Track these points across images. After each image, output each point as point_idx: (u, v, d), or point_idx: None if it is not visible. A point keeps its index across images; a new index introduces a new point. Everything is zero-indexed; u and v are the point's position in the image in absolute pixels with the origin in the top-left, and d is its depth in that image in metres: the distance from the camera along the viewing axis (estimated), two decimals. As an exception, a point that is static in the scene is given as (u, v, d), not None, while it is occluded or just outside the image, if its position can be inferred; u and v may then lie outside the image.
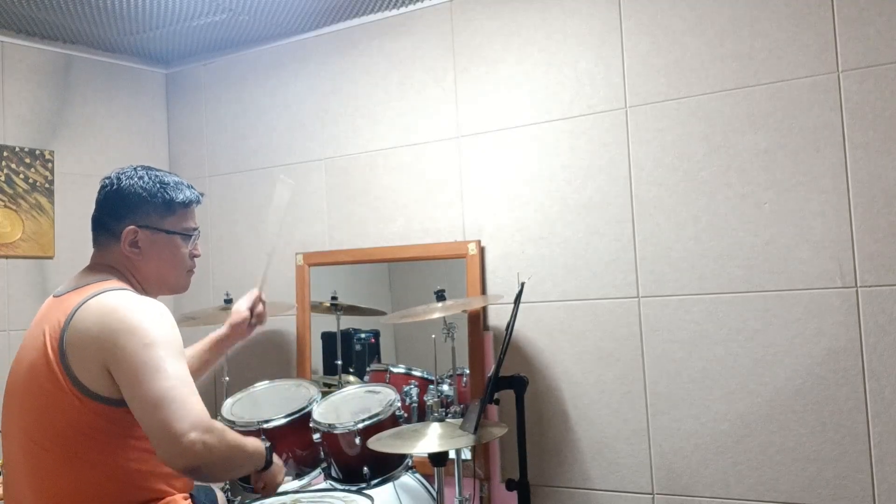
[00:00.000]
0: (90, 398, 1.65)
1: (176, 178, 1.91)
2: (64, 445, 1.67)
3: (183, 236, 1.90)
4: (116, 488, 1.69)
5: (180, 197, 1.89)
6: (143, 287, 1.87)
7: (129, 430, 1.67)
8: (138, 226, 1.83)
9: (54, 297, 1.82)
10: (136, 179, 1.86)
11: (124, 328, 1.63)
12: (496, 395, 2.35)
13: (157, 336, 1.64)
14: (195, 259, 1.96)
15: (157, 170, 1.91)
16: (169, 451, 1.55)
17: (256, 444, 1.78)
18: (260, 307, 2.33)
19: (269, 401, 2.55)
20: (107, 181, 1.88)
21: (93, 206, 1.90)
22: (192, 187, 1.94)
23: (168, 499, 1.75)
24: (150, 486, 1.72)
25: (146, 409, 1.57)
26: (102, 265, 1.85)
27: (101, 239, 1.87)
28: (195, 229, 1.94)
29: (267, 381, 2.69)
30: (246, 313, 2.30)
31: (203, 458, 1.54)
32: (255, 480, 1.85)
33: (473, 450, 2.60)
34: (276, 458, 1.85)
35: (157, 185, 1.86)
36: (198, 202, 1.95)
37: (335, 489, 2.33)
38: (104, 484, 1.68)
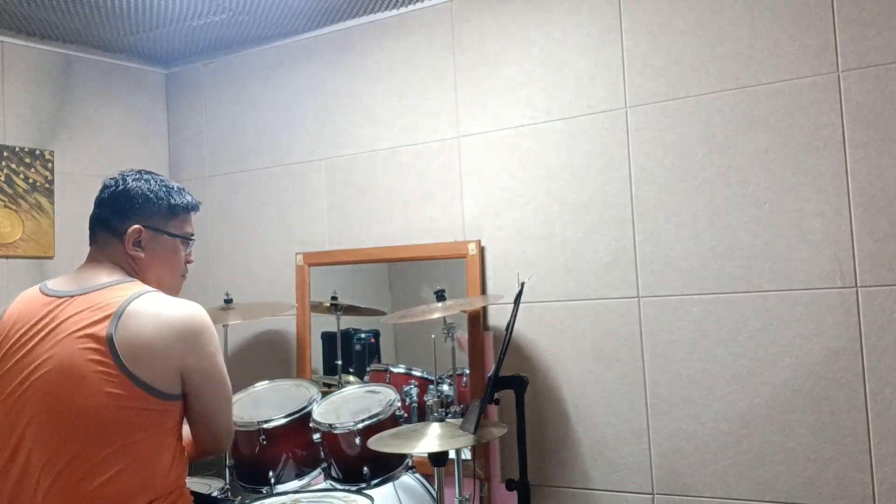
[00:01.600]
0: (155, 396, 1.68)
1: (178, 185, 1.97)
2: (114, 445, 1.65)
3: (183, 240, 1.95)
4: (156, 480, 1.71)
5: (183, 202, 1.95)
6: None
7: (175, 421, 1.75)
8: (143, 226, 1.86)
9: (58, 296, 1.75)
10: (142, 182, 1.90)
11: (199, 333, 1.75)
12: (496, 395, 2.35)
13: (217, 342, 1.81)
14: (188, 265, 2.00)
15: (160, 175, 1.96)
16: (212, 448, 1.85)
17: None
18: None
19: (269, 401, 2.55)
20: (111, 181, 1.90)
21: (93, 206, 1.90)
22: (191, 195, 2.00)
23: (183, 488, 1.80)
24: (177, 476, 1.76)
25: (213, 410, 1.79)
26: (109, 263, 1.84)
27: (100, 237, 1.88)
28: (193, 235, 1.99)
29: (267, 381, 2.69)
30: None
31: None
32: None
33: (473, 450, 2.60)
34: None
35: (163, 189, 1.91)
36: (196, 210, 2.01)
37: (335, 489, 2.33)
38: (150, 475, 1.70)
